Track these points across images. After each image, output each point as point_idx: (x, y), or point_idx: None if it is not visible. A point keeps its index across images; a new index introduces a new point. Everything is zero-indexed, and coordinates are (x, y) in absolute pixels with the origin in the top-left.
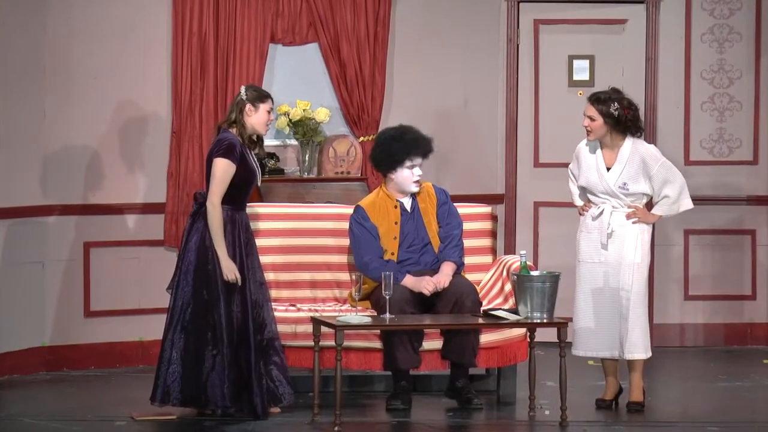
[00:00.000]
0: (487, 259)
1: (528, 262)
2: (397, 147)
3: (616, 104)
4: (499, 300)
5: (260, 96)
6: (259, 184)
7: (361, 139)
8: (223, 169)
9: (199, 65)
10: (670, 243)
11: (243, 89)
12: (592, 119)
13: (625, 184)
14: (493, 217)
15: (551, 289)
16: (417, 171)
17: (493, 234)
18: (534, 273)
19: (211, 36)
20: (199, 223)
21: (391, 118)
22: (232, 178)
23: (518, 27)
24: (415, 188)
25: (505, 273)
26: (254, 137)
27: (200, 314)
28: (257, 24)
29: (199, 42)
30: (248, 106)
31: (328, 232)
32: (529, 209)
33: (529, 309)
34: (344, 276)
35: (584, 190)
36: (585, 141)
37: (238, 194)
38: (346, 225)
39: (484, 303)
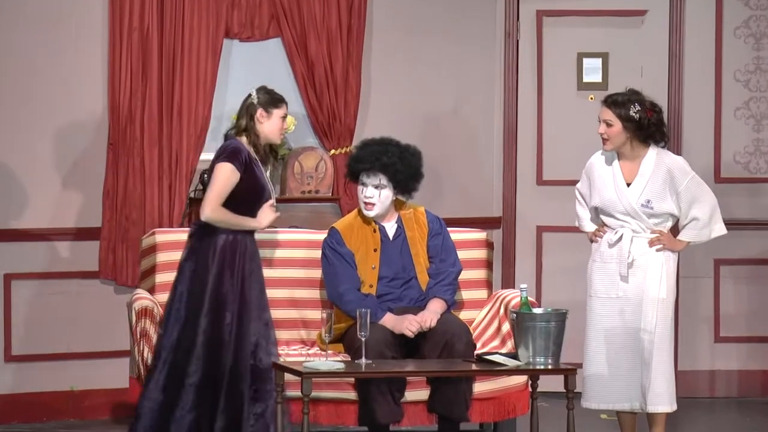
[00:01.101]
0: (482, 294)
1: (530, 298)
2: (353, 158)
3: (636, 105)
4: (496, 342)
5: (274, 100)
6: (272, 203)
7: (333, 152)
8: (225, 175)
9: (141, 65)
10: (698, 275)
11: (254, 91)
12: (608, 124)
13: (648, 201)
14: (489, 245)
15: (557, 329)
16: (368, 191)
17: (488, 264)
18: (537, 310)
19: (155, 30)
20: (194, 245)
21: (368, 127)
22: (234, 190)
23: (518, 19)
24: (366, 211)
25: (502, 310)
26: (266, 149)
27: (186, 351)
28: (209, 16)
29: (140, 38)
30: (260, 111)
31: (292, 263)
32: (532, 235)
33: (531, 353)
34: (312, 314)
35: (597, 213)
36: (598, 153)
37: (242, 211)
38: (313, 254)
39: (477, 346)
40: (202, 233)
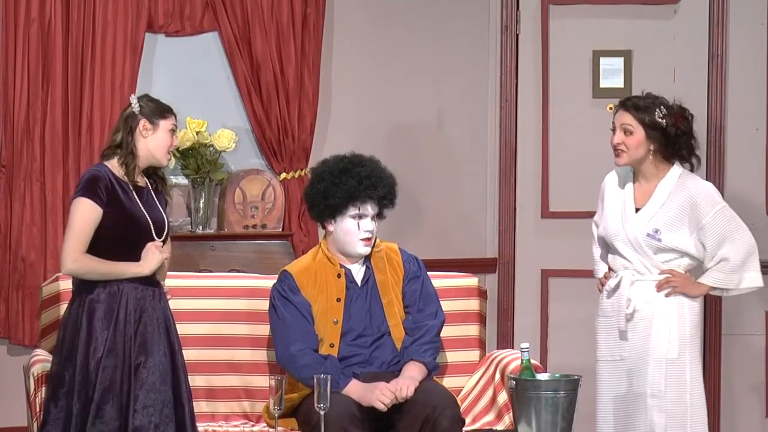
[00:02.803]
0: (472, 355)
1: (533, 360)
2: (338, 184)
3: (663, 109)
4: (490, 417)
5: (160, 108)
6: (160, 237)
7: (284, 176)
8: (80, 214)
9: (41, 66)
10: (744, 332)
11: (134, 99)
12: (627, 132)
13: (656, 231)
14: (481, 293)
15: (567, 400)
16: (367, 224)
17: (480, 318)
18: (542, 376)
19: (59, 23)
20: (71, 300)
21: (328, 145)
22: (100, 229)
23: (518, 8)
24: (362, 249)
25: (498, 376)
26: (159, 172)
27: None
28: (128, 5)
29: (40, 32)
30: (143, 122)
31: (232, 316)
32: (535, 281)
33: (535, 430)
34: (258, 380)
35: (605, 249)
36: (614, 172)
37: (115, 254)
38: (259, 305)
39: (467, 421)
40: (79, 287)
